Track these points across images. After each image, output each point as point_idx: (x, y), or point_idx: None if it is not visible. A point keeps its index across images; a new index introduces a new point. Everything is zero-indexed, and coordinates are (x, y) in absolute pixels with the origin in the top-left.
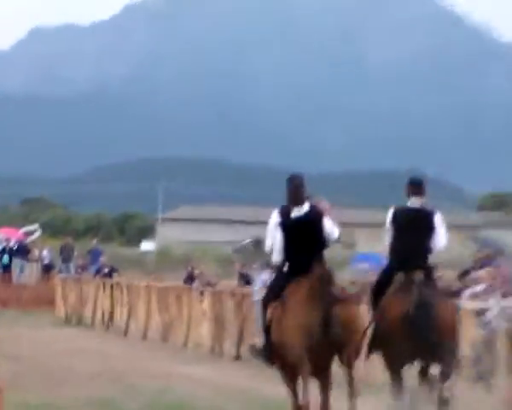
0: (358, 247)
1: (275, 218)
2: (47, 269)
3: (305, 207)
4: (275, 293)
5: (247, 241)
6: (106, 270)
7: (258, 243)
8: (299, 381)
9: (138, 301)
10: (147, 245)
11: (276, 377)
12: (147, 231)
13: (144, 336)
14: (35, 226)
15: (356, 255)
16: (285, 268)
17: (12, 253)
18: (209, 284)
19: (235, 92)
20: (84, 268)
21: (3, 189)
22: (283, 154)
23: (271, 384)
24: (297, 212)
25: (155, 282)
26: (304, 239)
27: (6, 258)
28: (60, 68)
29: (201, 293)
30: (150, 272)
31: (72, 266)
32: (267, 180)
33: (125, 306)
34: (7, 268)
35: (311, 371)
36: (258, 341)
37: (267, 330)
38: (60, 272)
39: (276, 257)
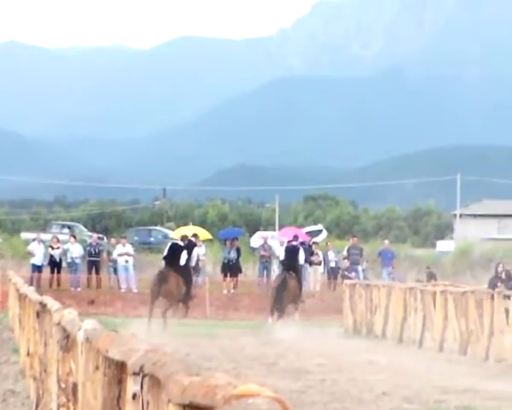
0: None
1: (168, 244)
2: (333, 273)
3: (182, 243)
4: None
5: None
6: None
7: None
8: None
9: (433, 309)
10: (444, 245)
11: None
12: (443, 229)
13: (440, 348)
14: (319, 227)
15: None
16: (163, 265)
17: None
18: None
19: None
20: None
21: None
22: None
23: None
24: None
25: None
26: (174, 257)
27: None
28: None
29: (508, 297)
30: (448, 275)
31: (360, 269)
32: None
33: (418, 314)
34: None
35: (155, 302)
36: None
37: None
38: (346, 276)
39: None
